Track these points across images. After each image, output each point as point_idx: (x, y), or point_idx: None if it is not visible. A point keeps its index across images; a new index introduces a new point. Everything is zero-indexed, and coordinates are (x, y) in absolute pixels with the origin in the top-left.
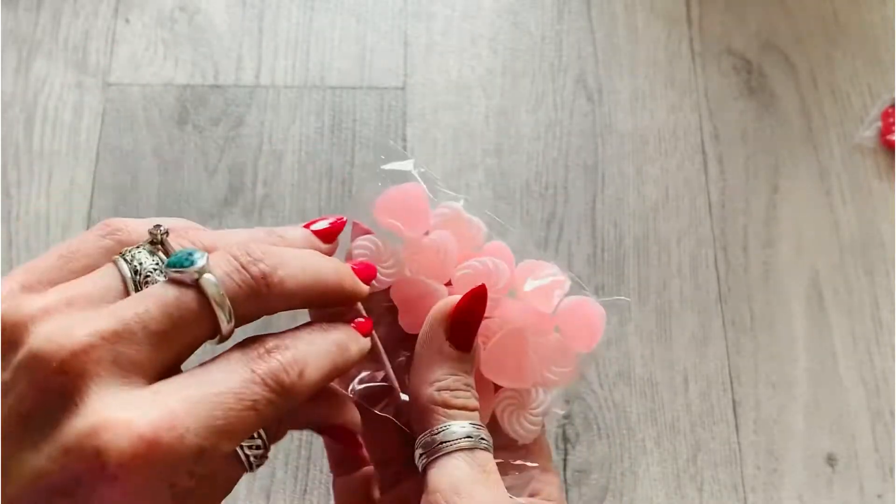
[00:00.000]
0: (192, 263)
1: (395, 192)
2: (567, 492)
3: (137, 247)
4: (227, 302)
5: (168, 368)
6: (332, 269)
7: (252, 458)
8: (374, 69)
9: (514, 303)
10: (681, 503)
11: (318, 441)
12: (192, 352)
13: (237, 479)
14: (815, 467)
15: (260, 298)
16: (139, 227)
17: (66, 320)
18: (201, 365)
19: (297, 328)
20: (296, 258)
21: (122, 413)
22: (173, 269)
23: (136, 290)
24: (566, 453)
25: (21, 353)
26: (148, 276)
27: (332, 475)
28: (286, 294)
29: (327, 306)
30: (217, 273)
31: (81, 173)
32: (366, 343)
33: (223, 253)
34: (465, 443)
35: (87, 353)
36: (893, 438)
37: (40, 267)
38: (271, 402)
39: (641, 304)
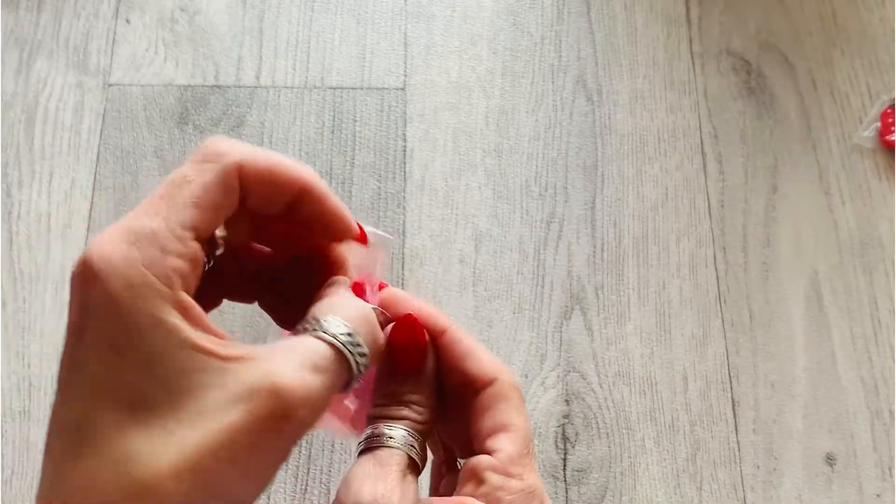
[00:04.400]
0: None
1: None
2: (566, 491)
3: None
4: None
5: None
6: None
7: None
8: (374, 70)
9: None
10: (680, 502)
11: (318, 441)
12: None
13: None
14: (814, 467)
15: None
16: None
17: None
18: None
19: None
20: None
21: (90, 244)
22: None
23: None
24: (566, 452)
25: None
26: None
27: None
28: (241, 157)
29: (293, 193)
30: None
31: (82, 173)
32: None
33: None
34: (370, 442)
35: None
36: (892, 438)
37: None
38: (203, 169)
39: (641, 304)
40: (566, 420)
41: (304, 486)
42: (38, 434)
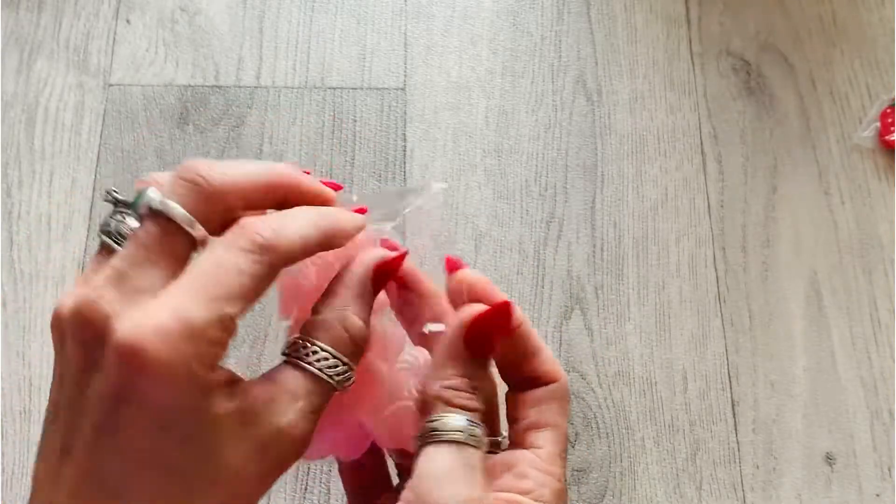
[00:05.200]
0: (140, 197)
1: None
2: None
3: (106, 221)
4: (180, 209)
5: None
6: (267, 166)
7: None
8: (374, 70)
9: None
10: (680, 502)
11: None
12: (185, 264)
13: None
14: (814, 466)
15: (207, 195)
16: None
17: (81, 293)
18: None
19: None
20: (233, 163)
21: (137, 322)
22: (132, 212)
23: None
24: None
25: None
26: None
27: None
28: (228, 185)
29: (277, 198)
30: (164, 192)
31: (83, 173)
32: (360, 219)
33: (166, 176)
34: (455, 435)
35: (98, 301)
36: (892, 438)
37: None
38: (256, 262)
39: (641, 304)
40: None
41: (304, 486)
42: (38, 434)
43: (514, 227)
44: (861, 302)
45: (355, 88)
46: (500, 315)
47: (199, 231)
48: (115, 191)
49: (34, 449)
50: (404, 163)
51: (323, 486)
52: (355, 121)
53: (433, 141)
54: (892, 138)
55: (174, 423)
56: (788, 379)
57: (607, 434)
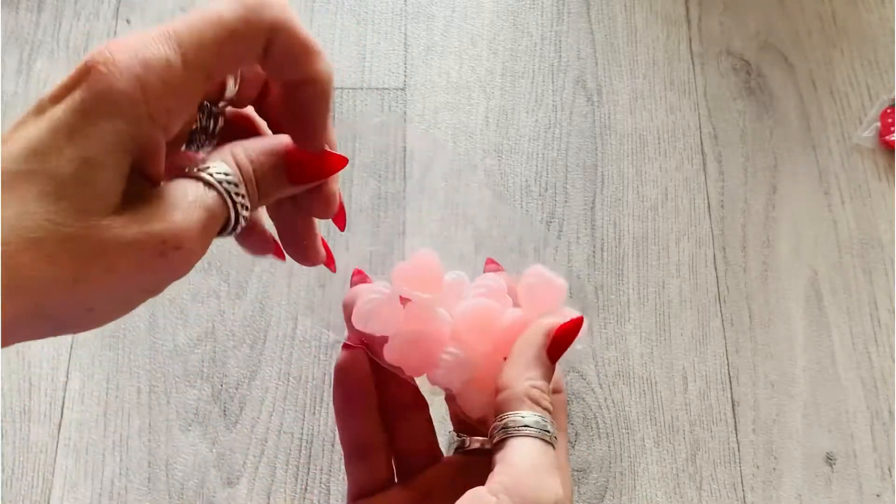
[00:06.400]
0: None
1: (410, 264)
2: None
3: None
4: None
5: None
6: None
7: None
8: (374, 70)
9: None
10: (680, 502)
11: (318, 441)
12: None
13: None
14: (814, 466)
15: None
16: None
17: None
18: None
19: None
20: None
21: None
22: None
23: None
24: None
25: None
26: None
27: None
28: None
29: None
30: None
31: None
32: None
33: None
34: (546, 435)
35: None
36: (892, 438)
37: None
38: None
39: (641, 304)
40: None
41: (304, 486)
42: (38, 434)
43: (515, 227)
44: (861, 302)
45: (355, 88)
46: (578, 329)
47: None
48: None
49: (34, 449)
50: (404, 163)
51: (323, 486)
52: (355, 121)
53: (433, 141)
54: (892, 138)
55: (89, 147)
56: (788, 379)
57: (607, 434)
